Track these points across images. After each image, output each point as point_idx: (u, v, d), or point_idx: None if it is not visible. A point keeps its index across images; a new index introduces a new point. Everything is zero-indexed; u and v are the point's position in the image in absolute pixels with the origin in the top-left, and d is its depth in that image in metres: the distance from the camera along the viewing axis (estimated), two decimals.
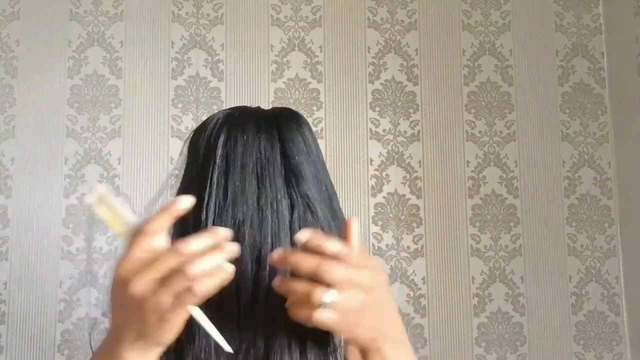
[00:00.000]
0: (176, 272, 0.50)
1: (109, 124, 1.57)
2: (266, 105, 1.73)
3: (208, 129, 0.69)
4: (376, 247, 1.58)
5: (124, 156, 1.57)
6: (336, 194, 0.71)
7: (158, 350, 0.54)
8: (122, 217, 0.57)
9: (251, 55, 1.63)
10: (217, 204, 0.63)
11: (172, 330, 0.51)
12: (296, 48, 1.65)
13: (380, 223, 1.59)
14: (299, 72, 1.64)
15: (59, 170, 1.55)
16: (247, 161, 0.65)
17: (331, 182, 0.70)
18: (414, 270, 1.58)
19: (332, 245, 0.53)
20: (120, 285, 0.52)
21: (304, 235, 0.54)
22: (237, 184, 0.64)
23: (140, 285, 0.51)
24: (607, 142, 1.68)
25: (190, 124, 1.59)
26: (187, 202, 0.55)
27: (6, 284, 1.49)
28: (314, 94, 1.63)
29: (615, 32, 1.69)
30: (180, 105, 1.60)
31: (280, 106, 0.76)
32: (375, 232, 1.59)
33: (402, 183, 1.62)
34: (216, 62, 1.62)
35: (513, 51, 1.70)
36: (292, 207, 0.64)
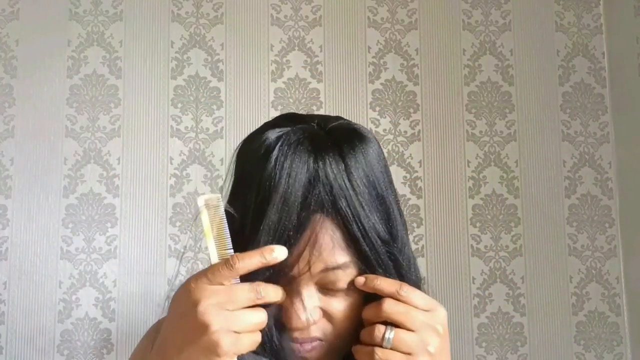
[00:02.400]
0: (246, 315, 0.52)
1: (109, 123, 1.57)
2: (266, 105, 1.72)
3: (262, 151, 0.60)
4: None
5: (124, 156, 1.56)
6: (406, 226, 0.68)
7: None
8: (220, 232, 0.56)
9: (251, 54, 1.63)
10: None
11: None
12: (296, 48, 1.65)
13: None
14: (299, 72, 1.64)
15: (59, 170, 1.55)
16: (300, 198, 0.58)
17: (401, 213, 0.66)
18: None
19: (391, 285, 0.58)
20: (191, 300, 0.52)
21: (361, 280, 0.59)
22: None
23: (210, 310, 0.52)
24: (607, 142, 1.68)
25: (189, 124, 1.58)
26: (283, 253, 0.55)
27: (5, 284, 1.49)
28: (314, 94, 1.63)
29: (616, 32, 1.69)
30: (179, 105, 1.60)
31: (344, 122, 0.66)
32: None
33: (402, 183, 1.61)
34: (216, 62, 1.62)
35: (514, 51, 1.69)
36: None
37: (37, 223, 1.52)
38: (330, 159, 0.58)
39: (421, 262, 1.58)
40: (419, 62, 1.67)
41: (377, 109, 1.64)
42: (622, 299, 1.61)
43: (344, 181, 0.58)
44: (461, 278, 1.59)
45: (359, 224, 0.58)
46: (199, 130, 1.59)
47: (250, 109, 1.59)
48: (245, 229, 0.58)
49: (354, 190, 0.58)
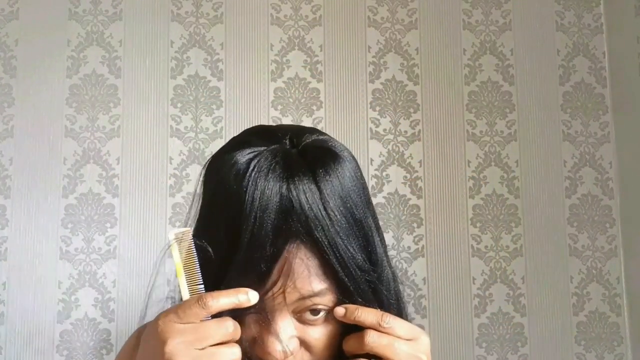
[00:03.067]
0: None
1: (108, 123, 1.57)
2: (266, 105, 1.72)
3: (232, 176, 0.58)
4: None
5: (123, 156, 1.56)
6: (386, 249, 0.69)
7: None
8: (191, 267, 0.55)
9: (251, 54, 1.63)
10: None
11: None
12: (296, 47, 1.64)
13: (380, 223, 1.58)
14: (299, 72, 1.63)
15: (58, 170, 1.54)
16: (271, 223, 0.56)
17: (381, 236, 0.67)
18: (414, 271, 1.58)
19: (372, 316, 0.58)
20: (159, 339, 0.51)
21: (341, 311, 0.58)
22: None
23: (178, 349, 0.50)
24: (608, 142, 1.67)
25: (189, 124, 1.58)
26: (255, 297, 0.54)
27: (5, 284, 1.49)
28: (314, 94, 1.63)
29: (616, 32, 1.69)
30: (179, 105, 1.59)
31: (317, 139, 0.63)
32: None
33: (402, 183, 1.61)
34: (216, 62, 1.62)
35: (514, 50, 1.69)
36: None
37: (36, 223, 1.52)
38: (305, 187, 0.56)
39: (421, 262, 1.58)
40: (419, 61, 1.67)
41: (377, 108, 1.64)
42: (622, 299, 1.61)
43: (319, 210, 0.56)
44: (461, 278, 1.59)
45: (337, 254, 0.56)
46: (198, 130, 1.58)
47: (250, 109, 1.59)
48: (216, 259, 0.56)
49: (330, 219, 0.56)
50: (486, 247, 1.61)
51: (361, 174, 0.63)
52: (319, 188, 0.57)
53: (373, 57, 1.65)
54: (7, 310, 1.48)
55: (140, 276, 1.52)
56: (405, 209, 1.60)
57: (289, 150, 0.60)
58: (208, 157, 1.64)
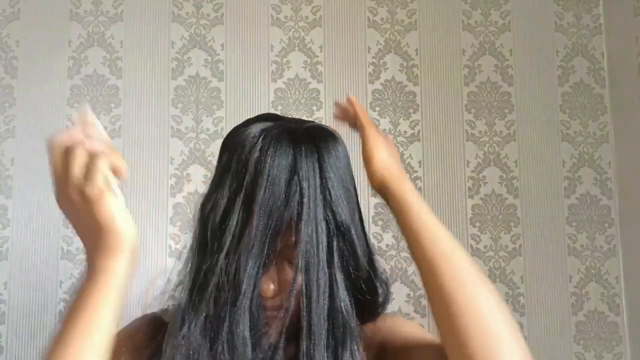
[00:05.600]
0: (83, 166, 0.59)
1: (109, 124, 1.57)
2: (266, 105, 1.73)
3: (247, 142, 0.68)
4: (376, 247, 1.58)
5: (124, 156, 1.56)
6: (362, 219, 0.73)
7: (116, 254, 0.59)
8: None
9: (251, 55, 1.63)
10: (241, 216, 0.65)
11: (102, 215, 0.58)
12: (296, 48, 1.65)
13: (380, 223, 1.59)
14: (299, 72, 1.64)
15: None
16: (283, 182, 0.65)
17: (359, 207, 0.73)
18: (414, 271, 1.58)
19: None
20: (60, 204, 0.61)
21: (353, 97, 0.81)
22: (272, 200, 0.65)
23: (65, 192, 0.61)
24: (607, 142, 1.68)
25: (190, 124, 1.59)
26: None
27: (6, 284, 1.49)
28: (314, 94, 1.63)
29: (615, 32, 1.69)
30: (180, 106, 1.60)
31: (317, 123, 0.75)
32: (375, 232, 1.59)
33: None
34: (216, 62, 1.62)
35: (513, 51, 1.70)
36: (329, 234, 0.66)
37: (37, 223, 1.53)
38: (307, 150, 0.67)
39: None
40: (418, 62, 1.67)
41: (377, 109, 1.64)
42: (621, 299, 1.62)
43: (318, 169, 0.67)
44: None
45: (330, 206, 0.67)
46: (199, 131, 1.59)
47: (250, 110, 1.59)
48: (235, 207, 0.65)
49: (324, 178, 0.67)
50: (485, 247, 1.61)
51: (348, 156, 0.73)
52: (318, 153, 0.67)
53: (373, 57, 1.66)
54: (9, 310, 1.49)
55: (141, 276, 1.52)
56: None
57: (294, 127, 0.71)
58: (209, 158, 1.64)
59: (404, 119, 1.64)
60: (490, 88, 1.68)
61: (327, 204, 0.66)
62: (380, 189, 0.74)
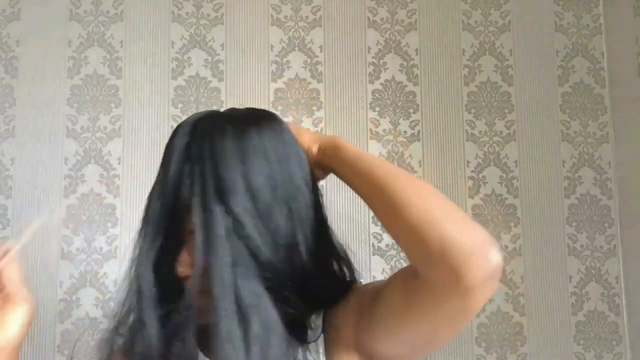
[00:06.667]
0: None
1: (109, 124, 1.57)
2: (266, 105, 1.72)
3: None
4: (376, 247, 1.58)
5: (124, 156, 1.57)
6: (292, 202, 0.69)
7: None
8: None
9: (251, 55, 1.63)
10: (155, 211, 0.70)
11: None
12: (296, 48, 1.65)
13: (380, 223, 1.59)
14: (299, 72, 1.64)
15: (59, 170, 1.55)
16: (175, 164, 0.68)
17: (286, 191, 0.68)
18: None
19: None
20: None
21: None
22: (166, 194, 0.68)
23: None
24: (607, 142, 1.68)
25: None
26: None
27: None
28: (314, 94, 1.63)
29: (615, 32, 1.70)
30: (180, 106, 1.60)
31: (253, 108, 0.78)
32: (375, 232, 1.59)
33: None
34: (216, 62, 1.62)
35: (513, 51, 1.70)
36: (219, 222, 0.65)
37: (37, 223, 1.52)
38: (203, 131, 0.68)
39: None
40: (418, 62, 1.67)
41: (377, 109, 1.64)
42: (621, 299, 1.62)
43: (209, 151, 0.67)
44: None
45: (222, 193, 0.66)
46: None
47: None
48: (152, 192, 0.72)
49: (216, 162, 0.66)
50: None
51: (285, 141, 0.72)
52: (217, 138, 0.68)
53: (373, 57, 1.66)
54: None
55: None
56: None
57: (219, 112, 0.75)
58: None
59: (404, 119, 1.64)
60: (490, 88, 1.68)
61: (219, 190, 0.65)
62: (322, 159, 0.73)
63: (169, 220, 0.67)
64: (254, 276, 0.65)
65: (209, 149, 0.66)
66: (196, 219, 0.64)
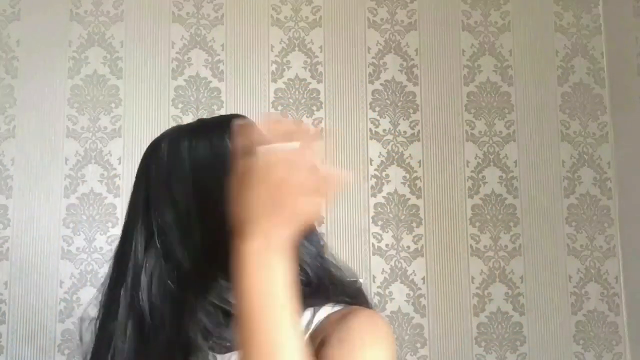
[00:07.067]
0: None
1: (110, 124, 1.58)
2: (266, 105, 1.72)
3: None
4: (376, 247, 1.58)
5: (124, 156, 1.57)
6: (209, 208, 0.66)
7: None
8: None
9: (251, 55, 1.64)
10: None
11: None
12: (296, 48, 1.65)
13: (380, 223, 1.59)
14: (299, 72, 1.64)
15: (60, 170, 1.55)
16: (135, 190, 0.73)
17: (204, 199, 0.67)
18: (413, 270, 1.58)
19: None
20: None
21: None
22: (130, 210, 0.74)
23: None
24: (606, 142, 1.68)
25: None
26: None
27: (7, 284, 1.50)
28: (314, 94, 1.63)
29: (615, 33, 1.70)
30: (180, 106, 1.60)
31: (215, 117, 0.79)
32: (375, 232, 1.59)
33: (402, 183, 1.62)
34: (216, 63, 1.62)
35: (513, 51, 1.70)
36: (148, 235, 0.70)
37: (38, 223, 1.53)
38: (152, 145, 0.76)
39: (420, 262, 1.59)
40: (418, 62, 1.67)
41: (377, 109, 1.64)
42: (621, 299, 1.62)
43: (145, 165, 0.74)
44: (460, 278, 1.59)
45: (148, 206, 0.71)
46: None
47: (250, 109, 1.60)
48: None
49: (147, 175, 0.73)
50: (485, 246, 1.62)
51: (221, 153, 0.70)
52: (153, 151, 0.76)
53: (373, 58, 1.66)
54: (9, 310, 1.49)
55: None
56: (405, 208, 1.61)
57: (196, 122, 0.77)
58: None
59: (403, 119, 1.65)
60: (490, 88, 1.68)
61: (146, 203, 0.70)
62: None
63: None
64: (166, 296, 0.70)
65: (145, 164, 0.76)
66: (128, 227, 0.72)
